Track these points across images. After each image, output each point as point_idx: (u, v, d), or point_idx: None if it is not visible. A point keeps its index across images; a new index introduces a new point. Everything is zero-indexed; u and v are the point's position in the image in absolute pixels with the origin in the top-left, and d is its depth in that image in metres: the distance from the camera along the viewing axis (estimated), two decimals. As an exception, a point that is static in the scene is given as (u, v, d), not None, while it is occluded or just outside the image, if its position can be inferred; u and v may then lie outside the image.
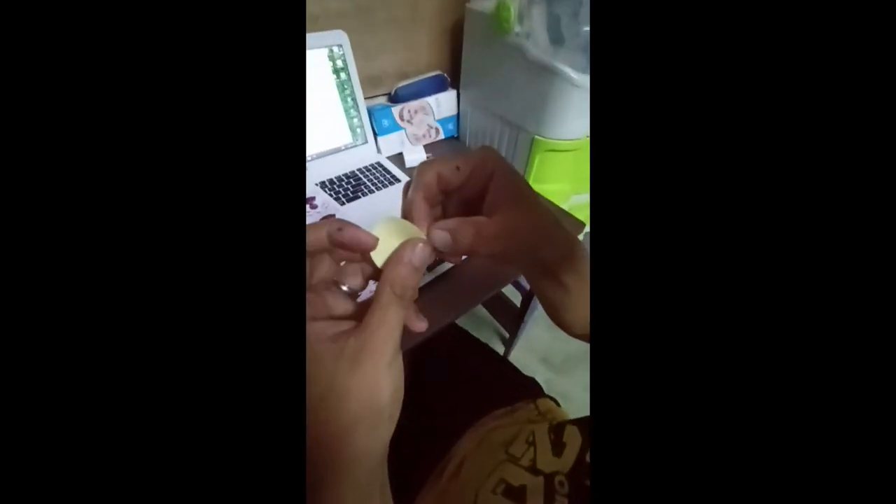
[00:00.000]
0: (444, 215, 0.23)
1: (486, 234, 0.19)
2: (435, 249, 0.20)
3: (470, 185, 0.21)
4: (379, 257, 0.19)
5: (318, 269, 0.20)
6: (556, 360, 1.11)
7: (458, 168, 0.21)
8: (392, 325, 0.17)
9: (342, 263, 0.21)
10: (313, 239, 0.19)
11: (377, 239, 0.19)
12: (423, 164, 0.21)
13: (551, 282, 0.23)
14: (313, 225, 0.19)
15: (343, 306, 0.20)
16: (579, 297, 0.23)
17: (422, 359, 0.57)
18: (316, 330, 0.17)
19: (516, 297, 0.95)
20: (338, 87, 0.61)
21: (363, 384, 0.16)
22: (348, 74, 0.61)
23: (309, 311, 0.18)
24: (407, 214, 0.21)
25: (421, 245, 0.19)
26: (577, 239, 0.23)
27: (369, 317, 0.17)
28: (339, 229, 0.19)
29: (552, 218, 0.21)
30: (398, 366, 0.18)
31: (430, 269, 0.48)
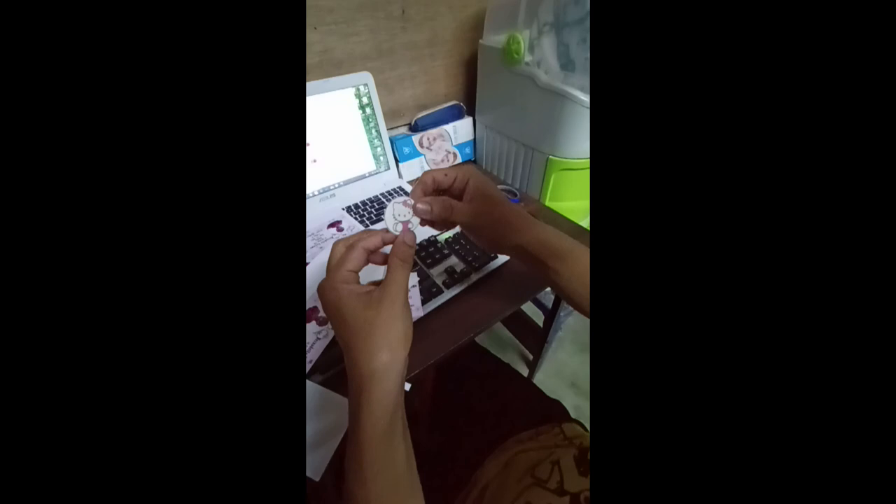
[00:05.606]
0: None
1: (456, 209, 0.33)
2: (421, 218, 0.31)
3: (455, 187, 0.34)
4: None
5: (358, 259, 0.28)
6: (585, 385, 1.07)
7: (446, 175, 0.34)
8: (401, 282, 0.26)
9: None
10: (371, 241, 0.28)
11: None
12: (425, 171, 0.31)
13: (523, 258, 0.35)
14: (373, 231, 0.29)
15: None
16: (556, 265, 0.34)
17: (444, 379, 0.57)
18: (352, 289, 0.26)
19: (539, 318, 0.94)
20: (363, 120, 0.66)
21: (384, 319, 0.25)
22: (373, 109, 0.66)
23: (348, 280, 0.27)
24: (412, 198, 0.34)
25: (409, 230, 0.30)
26: (535, 221, 0.35)
27: (386, 279, 0.27)
28: (386, 231, 0.30)
29: (508, 209, 0.34)
30: (408, 313, 0.27)
31: (454, 282, 0.49)
